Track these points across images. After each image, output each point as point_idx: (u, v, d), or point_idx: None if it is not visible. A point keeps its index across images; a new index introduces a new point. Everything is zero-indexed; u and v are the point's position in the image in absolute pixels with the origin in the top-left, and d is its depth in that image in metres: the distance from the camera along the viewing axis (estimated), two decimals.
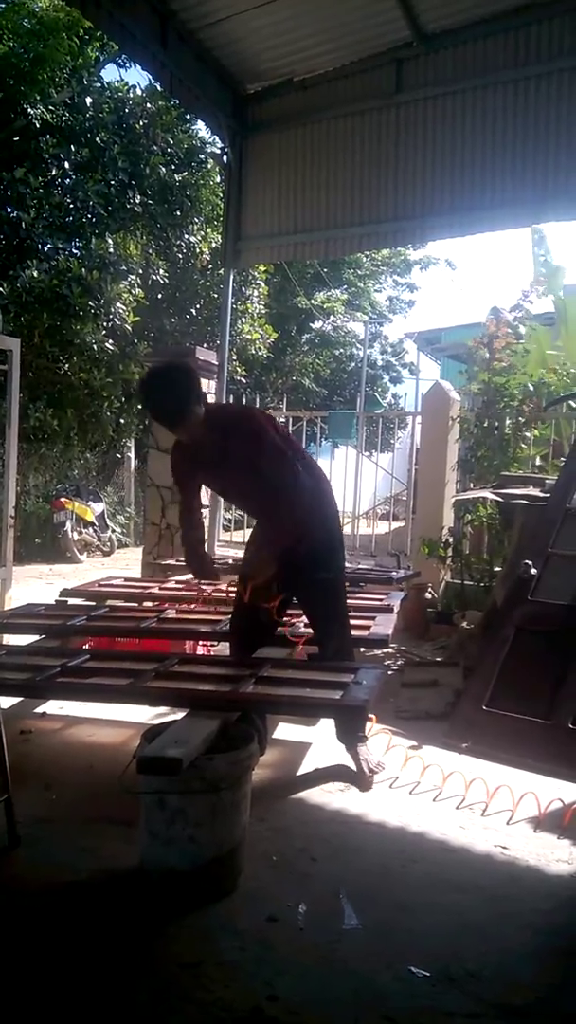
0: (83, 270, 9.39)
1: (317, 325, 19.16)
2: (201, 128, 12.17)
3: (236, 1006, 1.89)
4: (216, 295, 11.01)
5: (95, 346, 9.58)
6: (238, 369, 11.91)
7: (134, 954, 2.09)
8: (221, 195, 9.31)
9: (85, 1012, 1.87)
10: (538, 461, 6.25)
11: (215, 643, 4.37)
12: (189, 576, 5.71)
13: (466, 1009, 1.94)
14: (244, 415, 3.51)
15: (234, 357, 11.62)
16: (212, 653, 4.42)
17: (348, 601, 4.63)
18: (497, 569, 5.52)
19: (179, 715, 2.70)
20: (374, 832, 2.87)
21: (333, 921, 2.29)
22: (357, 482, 7.33)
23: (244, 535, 8.19)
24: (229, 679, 3.02)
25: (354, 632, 3.80)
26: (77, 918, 2.26)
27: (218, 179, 11.15)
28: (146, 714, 3.70)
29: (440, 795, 3.19)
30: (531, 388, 5.89)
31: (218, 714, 2.64)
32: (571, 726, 3.40)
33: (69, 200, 10.66)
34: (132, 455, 13.73)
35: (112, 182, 10.91)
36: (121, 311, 9.74)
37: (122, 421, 11.50)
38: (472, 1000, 1.97)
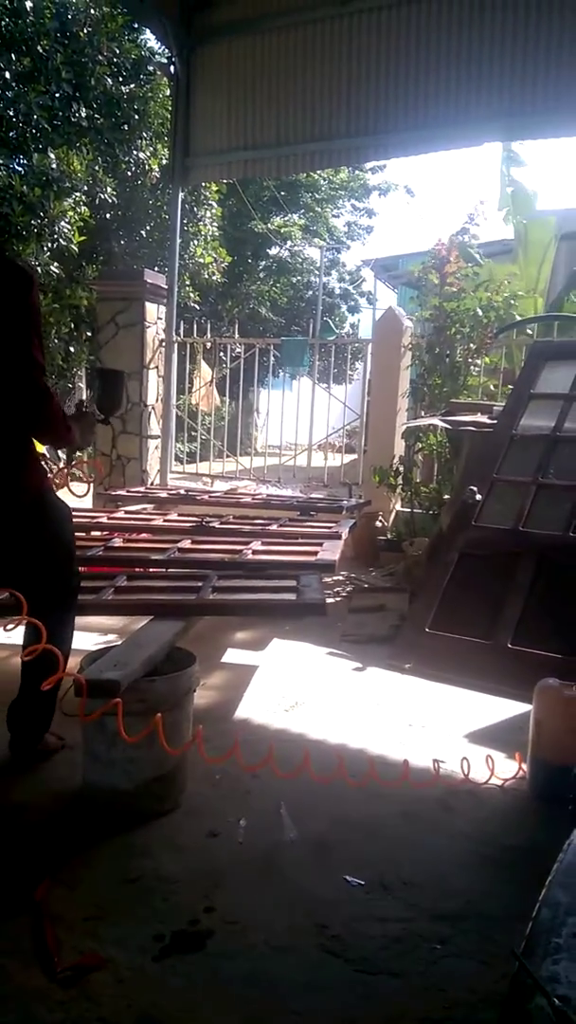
0: (24, 187, 8.96)
1: (274, 251, 18.73)
2: (150, 38, 11.55)
3: (174, 918, 1.93)
4: (167, 215, 10.65)
5: (39, 269, 9.21)
6: (191, 295, 11.60)
7: (73, 870, 2.12)
8: (171, 109, 8.90)
9: (22, 926, 1.89)
10: (491, 388, 6.24)
11: (164, 570, 4.36)
12: (140, 506, 5.68)
13: (398, 915, 2.00)
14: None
15: (187, 282, 11.31)
16: None
17: (298, 529, 4.65)
18: (446, 497, 5.55)
19: (119, 642, 2.70)
20: (317, 748, 2.92)
21: (272, 835, 2.34)
22: (312, 412, 7.27)
23: (198, 468, 8.13)
24: (189, 589, 3.07)
25: (301, 558, 3.82)
26: (19, 837, 2.27)
27: (168, 92, 10.63)
28: (91, 642, 3.69)
29: (381, 713, 3.26)
30: (480, 313, 5.83)
31: (170, 630, 2.65)
32: (510, 646, 3.49)
33: (11, 113, 10.09)
34: (83, 385, 13.38)
35: (56, 94, 10.34)
36: (66, 230, 9.34)
37: (72, 349, 11.16)
38: (404, 906, 2.04)
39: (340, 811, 2.48)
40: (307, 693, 3.46)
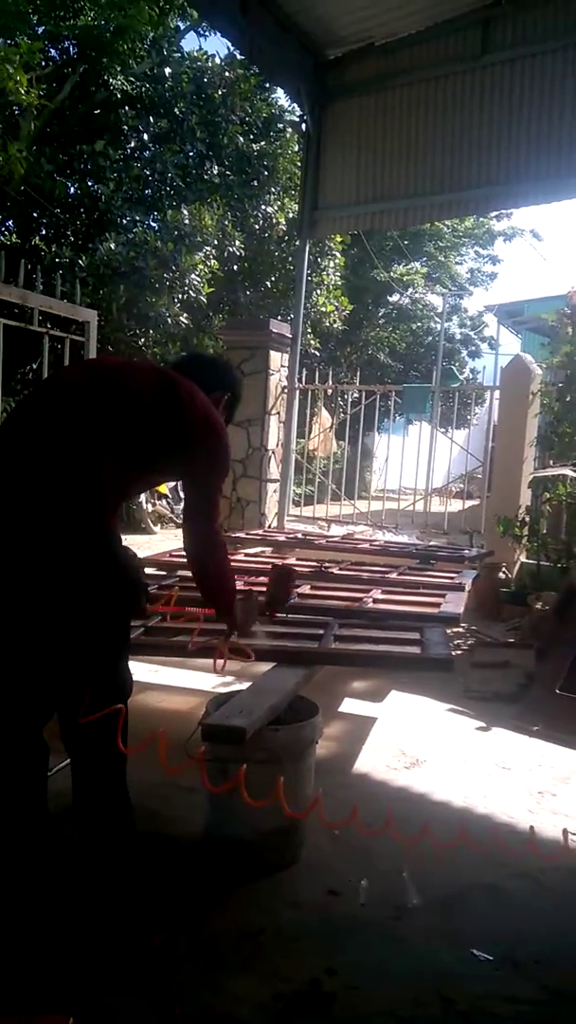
0: (159, 242, 9.44)
1: (395, 298, 18.85)
2: (280, 96, 12.08)
3: (294, 977, 1.89)
4: (292, 267, 10.94)
5: (170, 319, 9.64)
6: (312, 342, 11.82)
7: (194, 920, 2.11)
8: (299, 164, 9.21)
9: (143, 974, 1.89)
10: None
11: (284, 615, 4.37)
12: (258, 549, 5.75)
13: (528, 995, 1.89)
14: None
15: (308, 330, 11.53)
16: None
17: (419, 578, 4.57)
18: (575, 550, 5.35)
19: (243, 686, 2.70)
20: (439, 811, 2.83)
21: (394, 898, 2.26)
22: (431, 458, 7.21)
23: (314, 511, 8.20)
24: (311, 636, 3.11)
25: (423, 609, 3.75)
26: (142, 879, 2.29)
27: (296, 148, 11.02)
28: (212, 683, 3.74)
29: (509, 777, 3.13)
30: None
31: (293, 678, 2.64)
32: None
33: (148, 172, 10.71)
34: None
35: (190, 153, 10.91)
36: (196, 283, 9.76)
37: None
38: (535, 986, 1.92)
39: (464, 878, 2.38)
40: (429, 750, 3.36)
